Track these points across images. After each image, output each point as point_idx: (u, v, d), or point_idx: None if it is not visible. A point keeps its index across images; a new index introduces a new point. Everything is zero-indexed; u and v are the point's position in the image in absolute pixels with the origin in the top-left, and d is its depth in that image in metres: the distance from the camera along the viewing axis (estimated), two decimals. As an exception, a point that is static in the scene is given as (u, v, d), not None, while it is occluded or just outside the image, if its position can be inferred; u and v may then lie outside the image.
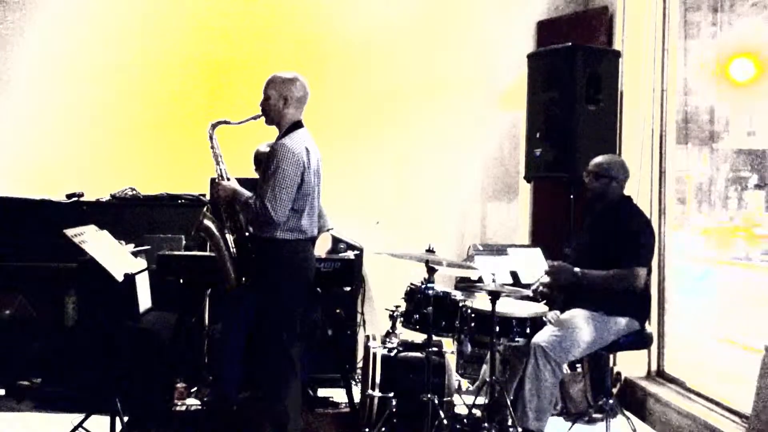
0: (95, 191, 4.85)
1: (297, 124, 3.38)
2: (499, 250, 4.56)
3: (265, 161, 3.32)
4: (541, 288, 3.78)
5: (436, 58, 5.49)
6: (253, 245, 3.38)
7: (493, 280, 3.48)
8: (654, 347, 4.53)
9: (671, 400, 4.17)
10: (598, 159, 3.76)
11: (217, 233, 3.46)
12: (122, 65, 5.31)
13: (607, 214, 3.69)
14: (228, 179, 3.45)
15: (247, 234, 3.43)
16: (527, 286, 3.84)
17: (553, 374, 3.40)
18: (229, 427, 3.74)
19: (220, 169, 3.47)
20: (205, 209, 3.53)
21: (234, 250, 3.44)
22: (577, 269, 3.54)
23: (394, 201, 5.41)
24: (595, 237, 3.68)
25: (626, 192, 3.81)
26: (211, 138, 3.49)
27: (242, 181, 3.47)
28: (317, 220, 3.49)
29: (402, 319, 3.75)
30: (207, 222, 3.47)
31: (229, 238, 3.46)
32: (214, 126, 3.50)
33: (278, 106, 3.35)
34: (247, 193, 3.32)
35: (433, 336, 3.55)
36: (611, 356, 4.27)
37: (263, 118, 3.41)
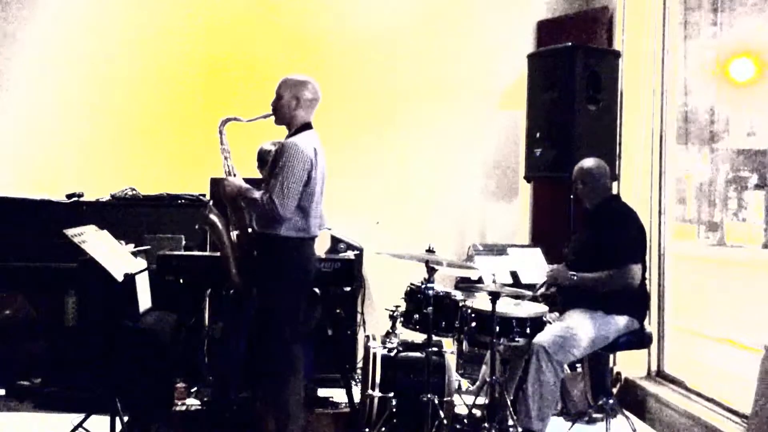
0: (95, 191, 4.84)
1: (306, 126, 3.42)
2: (499, 250, 4.56)
3: (273, 158, 3.34)
4: (543, 291, 3.79)
5: (436, 58, 5.48)
6: (257, 242, 3.39)
7: (494, 281, 3.48)
8: (654, 347, 4.53)
9: (671, 400, 4.17)
10: (580, 165, 3.78)
11: (221, 228, 3.47)
12: (122, 65, 5.31)
13: (595, 215, 3.73)
14: (234, 175, 3.47)
15: (250, 231, 3.44)
16: (527, 286, 3.84)
17: (555, 375, 3.42)
18: (229, 427, 3.74)
19: (228, 165, 3.49)
20: (210, 203, 3.54)
21: (237, 246, 3.45)
22: (572, 273, 3.57)
23: (394, 201, 5.40)
24: (588, 238, 3.70)
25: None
26: (220, 134, 3.52)
27: (244, 180, 3.47)
28: (318, 220, 3.49)
29: (402, 319, 3.75)
30: (213, 217, 3.48)
31: (233, 234, 3.47)
32: (224, 122, 3.53)
33: (290, 106, 3.39)
34: (253, 189, 3.34)
35: (433, 336, 3.55)
36: (611, 356, 4.27)
37: (272, 118, 3.44)
